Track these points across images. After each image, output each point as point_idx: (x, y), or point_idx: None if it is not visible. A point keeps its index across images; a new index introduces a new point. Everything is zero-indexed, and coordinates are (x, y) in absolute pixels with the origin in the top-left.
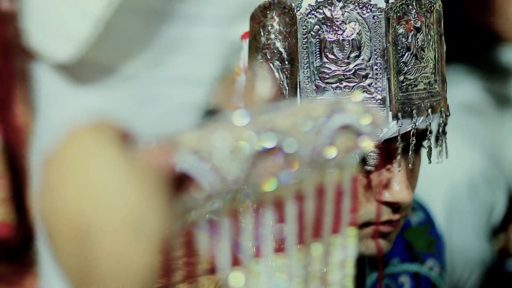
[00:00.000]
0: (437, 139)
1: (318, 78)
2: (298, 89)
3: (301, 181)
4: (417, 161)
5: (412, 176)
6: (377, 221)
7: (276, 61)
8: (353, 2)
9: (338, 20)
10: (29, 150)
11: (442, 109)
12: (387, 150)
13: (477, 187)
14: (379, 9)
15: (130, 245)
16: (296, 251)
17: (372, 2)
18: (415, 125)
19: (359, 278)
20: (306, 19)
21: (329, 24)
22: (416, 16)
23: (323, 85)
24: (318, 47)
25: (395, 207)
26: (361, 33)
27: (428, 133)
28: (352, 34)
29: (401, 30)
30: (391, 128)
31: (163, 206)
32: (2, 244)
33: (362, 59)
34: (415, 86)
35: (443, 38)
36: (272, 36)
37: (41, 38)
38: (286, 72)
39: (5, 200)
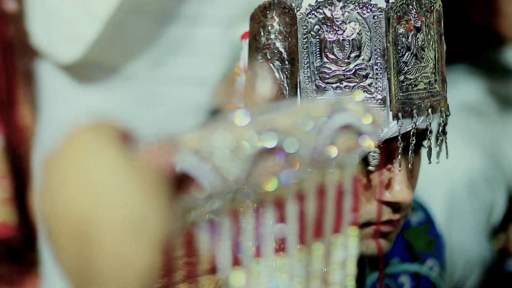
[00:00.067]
0: (437, 139)
1: (318, 78)
2: (298, 89)
3: (302, 181)
4: (417, 161)
5: (412, 176)
6: (378, 221)
7: (276, 61)
8: (353, 2)
9: (338, 20)
10: (32, 150)
11: (442, 108)
12: (387, 150)
13: (476, 187)
14: (379, 9)
15: (130, 245)
16: (297, 251)
17: (372, 2)
18: (415, 125)
19: (359, 278)
20: (306, 19)
21: (329, 24)
22: (416, 16)
23: (323, 85)
24: (318, 47)
25: (395, 207)
26: (361, 33)
27: (428, 133)
28: (352, 34)
29: (401, 30)
30: (392, 128)
31: (164, 206)
32: (4, 244)
33: (363, 59)
34: (415, 86)
35: (443, 38)
36: (272, 36)
37: (47, 39)
38: (286, 72)
39: (7, 200)
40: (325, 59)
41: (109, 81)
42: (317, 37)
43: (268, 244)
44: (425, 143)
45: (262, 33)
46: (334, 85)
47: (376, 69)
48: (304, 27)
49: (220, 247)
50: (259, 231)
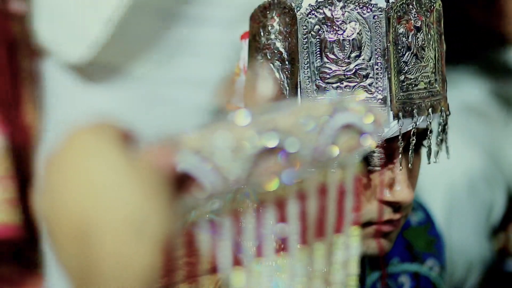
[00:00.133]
0: (437, 138)
1: (318, 78)
2: (298, 89)
3: (303, 180)
4: (417, 160)
5: (412, 176)
6: (379, 221)
7: (277, 61)
8: (353, 2)
9: (339, 20)
10: (36, 150)
11: (443, 108)
12: (388, 150)
13: (476, 186)
14: (380, 9)
15: (131, 245)
16: (298, 251)
17: (373, 2)
18: (416, 125)
19: (359, 278)
20: (306, 19)
21: (329, 24)
22: (416, 15)
23: (323, 85)
24: (318, 47)
25: (395, 206)
26: (361, 33)
27: (428, 132)
28: (353, 34)
29: (401, 30)
30: (392, 127)
31: (165, 206)
32: (8, 245)
33: (363, 59)
34: (416, 85)
35: (443, 37)
36: (272, 36)
37: (54, 39)
38: (287, 72)
39: (11, 201)
40: (325, 59)
41: (112, 81)
42: (317, 37)
43: (268, 244)
44: (425, 142)
45: (262, 33)
46: (334, 85)
47: (377, 69)
48: (304, 27)
49: (221, 247)
50: (259, 231)
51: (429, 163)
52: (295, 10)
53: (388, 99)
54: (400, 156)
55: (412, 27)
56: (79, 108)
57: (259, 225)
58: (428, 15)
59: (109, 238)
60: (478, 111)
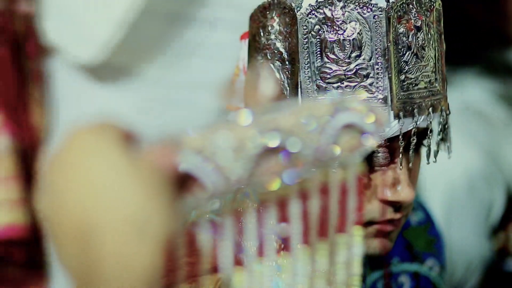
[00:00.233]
0: (443, 138)
1: (319, 78)
2: (299, 90)
3: (305, 180)
4: (417, 160)
5: (412, 175)
6: (382, 220)
7: (277, 62)
8: (353, 1)
9: (339, 20)
10: (43, 150)
11: (443, 107)
12: (388, 149)
13: (476, 186)
14: (380, 9)
15: (132, 245)
16: (301, 251)
17: (373, 2)
18: (416, 124)
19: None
20: (306, 19)
21: (329, 24)
22: (416, 15)
23: (324, 85)
24: (318, 47)
25: (396, 206)
26: (361, 33)
27: (428, 132)
28: (353, 33)
29: (401, 29)
30: (393, 127)
31: (166, 206)
32: (13, 245)
33: (363, 59)
34: (416, 85)
35: (442, 36)
36: (272, 36)
37: (62, 39)
38: (287, 73)
39: (18, 201)
40: (325, 59)
41: (122, 83)
42: (318, 37)
43: (269, 244)
44: (425, 142)
45: (262, 34)
46: (335, 85)
47: (377, 68)
48: (305, 27)
49: (221, 247)
50: (260, 231)
51: (428, 163)
52: (295, 10)
53: (389, 98)
54: (400, 155)
55: (412, 27)
56: (88, 109)
57: (259, 225)
58: (428, 15)
59: (110, 238)
60: (479, 111)
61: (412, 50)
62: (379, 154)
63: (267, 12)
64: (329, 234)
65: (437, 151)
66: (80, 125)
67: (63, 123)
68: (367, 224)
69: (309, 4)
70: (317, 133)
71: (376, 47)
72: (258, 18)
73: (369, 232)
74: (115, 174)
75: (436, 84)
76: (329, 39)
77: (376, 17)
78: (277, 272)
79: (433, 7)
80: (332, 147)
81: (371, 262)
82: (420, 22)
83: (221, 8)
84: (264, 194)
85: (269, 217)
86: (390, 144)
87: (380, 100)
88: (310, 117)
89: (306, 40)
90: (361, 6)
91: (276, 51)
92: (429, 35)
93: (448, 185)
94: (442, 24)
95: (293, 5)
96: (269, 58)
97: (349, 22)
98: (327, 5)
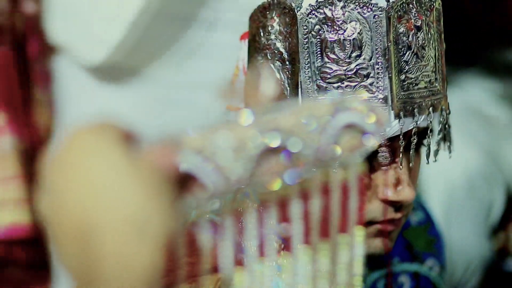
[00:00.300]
0: (444, 137)
1: (319, 78)
2: (299, 90)
3: (306, 180)
4: (417, 159)
5: (413, 175)
6: (384, 220)
7: (277, 62)
8: (353, 1)
9: (339, 19)
10: (49, 151)
11: (443, 107)
12: (389, 149)
13: (475, 185)
14: (380, 8)
15: (132, 245)
16: (302, 251)
17: (373, 2)
18: (417, 124)
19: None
20: (306, 19)
21: (330, 24)
22: (416, 14)
23: (324, 85)
24: (319, 47)
25: (397, 205)
26: (362, 33)
27: (429, 131)
28: (353, 33)
29: (402, 29)
30: (393, 127)
31: (166, 206)
32: (17, 244)
33: (364, 59)
34: (416, 84)
35: (442, 36)
36: (272, 36)
37: (68, 38)
38: (287, 73)
39: (22, 201)
40: (326, 59)
41: (127, 83)
42: (318, 37)
43: (270, 244)
44: (425, 141)
45: (262, 34)
46: (335, 85)
47: (377, 68)
48: (305, 27)
49: (222, 247)
50: (261, 231)
51: (427, 162)
52: (295, 10)
53: (389, 98)
54: (401, 155)
55: (412, 26)
56: (88, 109)
57: (260, 225)
58: (428, 14)
59: (110, 238)
60: (479, 111)
61: (412, 50)
62: (381, 154)
63: (267, 12)
64: (331, 234)
65: (437, 151)
66: (80, 125)
67: (69, 123)
68: (367, 224)
69: (309, 4)
70: (317, 133)
71: (377, 47)
72: (258, 18)
73: (369, 232)
74: (115, 174)
75: (436, 84)
76: (329, 39)
77: (376, 16)
78: (278, 272)
79: (433, 6)
80: (332, 147)
81: (371, 261)
82: (420, 22)
83: (221, 8)
84: (264, 194)
85: (270, 217)
86: (391, 143)
87: (381, 100)
88: (310, 117)
89: (306, 40)
90: (361, 6)
91: (276, 51)
92: (429, 35)
93: (448, 185)
94: (442, 24)
95: (293, 5)
96: (269, 58)
97: (350, 22)
98: (327, 5)
